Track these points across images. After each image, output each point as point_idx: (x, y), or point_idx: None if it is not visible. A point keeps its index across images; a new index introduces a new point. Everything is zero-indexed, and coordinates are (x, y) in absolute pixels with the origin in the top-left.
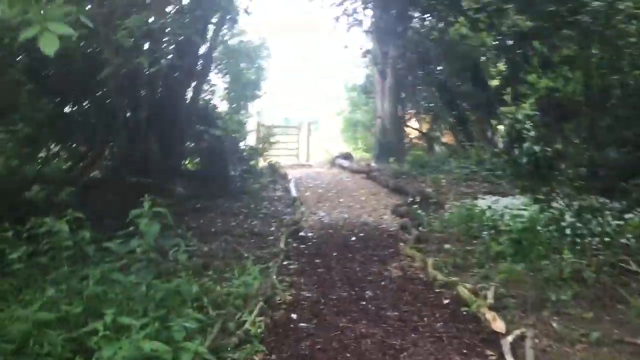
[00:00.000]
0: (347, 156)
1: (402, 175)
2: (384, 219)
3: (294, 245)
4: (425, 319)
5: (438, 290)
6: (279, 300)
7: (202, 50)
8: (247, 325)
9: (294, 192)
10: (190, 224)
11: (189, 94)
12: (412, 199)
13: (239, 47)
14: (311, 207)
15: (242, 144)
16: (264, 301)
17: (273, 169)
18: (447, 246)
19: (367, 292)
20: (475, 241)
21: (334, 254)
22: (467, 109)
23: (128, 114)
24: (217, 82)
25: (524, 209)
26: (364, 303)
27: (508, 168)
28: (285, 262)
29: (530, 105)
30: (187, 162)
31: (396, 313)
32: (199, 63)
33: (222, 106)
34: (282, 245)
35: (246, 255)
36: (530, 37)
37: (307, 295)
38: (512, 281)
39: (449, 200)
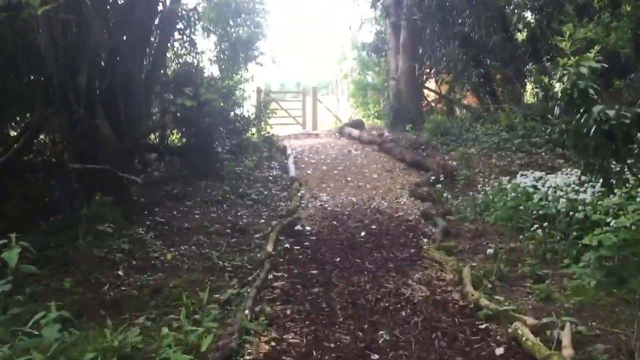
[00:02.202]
0: (357, 124)
1: (420, 146)
2: (400, 204)
3: (286, 246)
4: None
5: (483, 326)
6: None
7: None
8: None
9: (292, 171)
10: (157, 218)
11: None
12: (434, 177)
13: (226, 0)
14: (312, 189)
15: (233, 114)
16: None
17: (270, 141)
18: (486, 246)
19: (380, 332)
20: (521, 236)
21: (337, 260)
22: (493, 66)
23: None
24: (204, 43)
25: (575, 190)
26: (377, 358)
27: (569, 140)
28: (270, 276)
29: (595, 55)
30: (173, 136)
31: None
32: (156, 17)
33: (214, 71)
34: (269, 247)
35: (220, 264)
36: None
37: (293, 341)
38: (591, 307)
39: (480, 176)
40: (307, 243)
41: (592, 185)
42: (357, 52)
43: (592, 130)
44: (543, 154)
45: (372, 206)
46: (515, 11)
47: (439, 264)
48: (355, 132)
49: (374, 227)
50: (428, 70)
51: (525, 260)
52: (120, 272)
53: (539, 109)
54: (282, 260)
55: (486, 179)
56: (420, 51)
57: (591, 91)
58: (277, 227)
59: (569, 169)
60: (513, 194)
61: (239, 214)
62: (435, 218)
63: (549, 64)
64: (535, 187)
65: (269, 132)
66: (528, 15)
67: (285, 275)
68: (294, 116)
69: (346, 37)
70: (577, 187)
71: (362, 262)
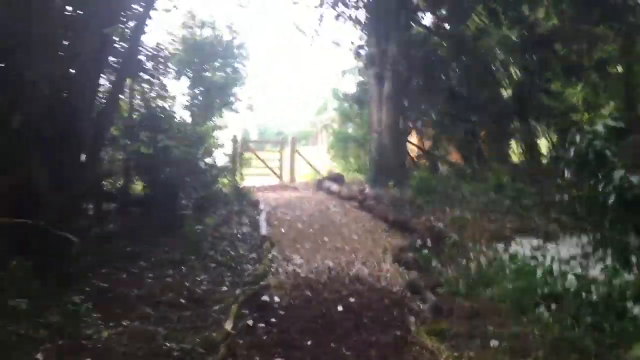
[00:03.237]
0: (336, 178)
1: (404, 205)
2: (383, 272)
3: (249, 322)
4: None
5: None
6: None
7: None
8: None
9: (264, 229)
10: (101, 282)
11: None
12: (420, 240)
13: (202, 43)
14: (285, 250)
15: (203, 163)
16: None
17: (242, 194)
18: (484, 329)
19: None
20: (524, 318)
21: (308, 344)
22: (479, 123)
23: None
24: (177, 87)
25: (582, 264)
26: None
27: (582, 209)
28: None
29: (612, 112)
30: (138, 185)
31: None
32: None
33: (187, 116)
34: (228, 325)
35: (166, 346)
36: (552, 37)
37: None
38: None
39: (470, 241)
40: (274, 319)
41: (600, 259)
42: (339, 102)
43: (612, 198)
44: (535, 218)
45: (352, 273)
46: (502, 68)
47: (430, 353)
48: (335, 187)
49: (353, 300)
50: (411, 124)
51: (531, 350)
52: (40, 357)
53: (527, 169)
54: (242, 342)
55: (477, 245)
56: (405, 104)
57: (608, 153)
58: (240, 297)
59: (567, 237)
60: (512, 266)
61: (198, 279)
62: (423, 291)
63: (534, 123)
64: (535, 257)
65: (241, 184)
66: (515, 72)
67: None
68: (271, 167)
69: (327, 87)
70: (582, 261)
71: (338, 348)
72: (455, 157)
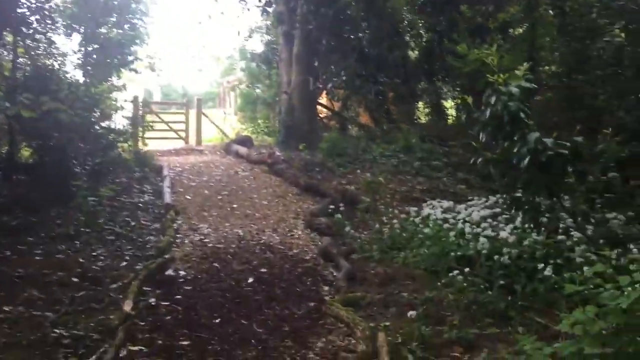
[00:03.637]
0: (245, 141)
1: (315, 168)
2: (295, 238)
3: (152, 301)
4: None
5: None
6: None
7: None
8: None
9: (168, 197)
10: None
11: None
12: (332, 204)
13: None
14: (191, 218)
15: (99, 127)
16: None
17: (143, 159)
18: (399, 295)
19: None
20: (438, 282)
21: (217, 322)
22: (388, 84)
23: None
24: (66, 43)
25: (493, 225)
26: None
27: (496, 171)
28: (124, 353)
29: (524, 74)
30: (27, 152)
31: None
32: None
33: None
34: (127, 305)
35: (55, 333)
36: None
37: None
38: None
39: (381, 204)
40: (179, 296)
41: (509, 220)
42: (246, 63)
43: (526, 161)
44: (444, 178)
45: (262, 241)
46: (410, 29)
47: (346, 325)
48: (243, 150)
49: (264, 270)
50: (322, 85)
51: (447, 316)
52: None
53: (434, 130)
54: (143, 324)
55: (390, 208)
56: (315, 64)
57: (522, 115)
58: (141, 273)
59: (475, 198)
60: (425, 230)
61: (94, 254)
62: (336, 258)
63: (440, 83)
64: (446, 220)
65: (143, 149)
66: (422, 33)
67: (145, 350)
68: (176, 130)
69: (235, 46)
70: (492, 222)
71: (249, 325)
72: (365, 118)
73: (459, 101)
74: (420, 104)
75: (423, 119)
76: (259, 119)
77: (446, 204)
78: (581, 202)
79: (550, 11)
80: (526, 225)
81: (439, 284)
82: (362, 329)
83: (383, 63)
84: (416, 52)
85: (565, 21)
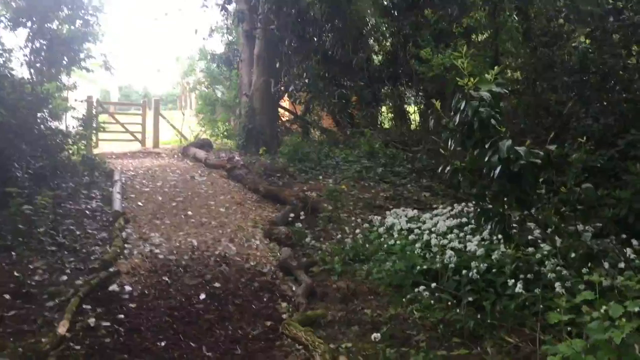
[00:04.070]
0: (203, 144)
1: (276, 174)
2: (253, 249)
3: (91, 322)
4: None
5: None
6: None
7: None
8: None
9: (117, 203)
10: None
11: None
12: (293, 213)
13: None
14: (142, 227)
15: (44, 127)
16: None
17: (93, 163)
18: (361, 313)
19: None
20: (403, 298)
21: (162, 345)
22: (353, 87)
23: None
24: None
25: (459, 237)
26: None
27: (465, 181)
28: None
29: (495, 77)
30: None
31: None
32: None
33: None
34: (62, 327)
35: None
36: (422, 2)
37: None
38: None
39: (344, 212)
40: (122, 315)
41: (476, 230)
42: (206, 63)
43: (497, 170)
44: (408, 185)
45: (218, 252)
46: (373, 32)
47: (305, 347)
48: (201, 154)
49: (217, 285)
50: (283, 88)
51: (413, 335)
52: None
53: (398, 135)
54: (79, 348)
55: (352, 217)
56: (277, 65)
57: (493, 121)
58: (82, 289)
59: (441, 206)
60: (389, 242)
61: (31, 267)
62: (296, 272)
63: (403, 88)
64: (411, 230)
65: (95, 151)
66: (386, 37)
67: None
68: (133, 132)
69: (194, 46)
70: (459, 232)
71: (198, 348)
72: (327, 122)
73: (422, 106)
74: (384, 109)
75: (386, 124)
76: (218, 121)
77: (410, 212)
78: (551, 214)
79: (515, 16)
80: (494, 237)
81: (403, 300)
82: (321, 352)
83: (347, 66)
84: (380, 56)
85: (530, 26)
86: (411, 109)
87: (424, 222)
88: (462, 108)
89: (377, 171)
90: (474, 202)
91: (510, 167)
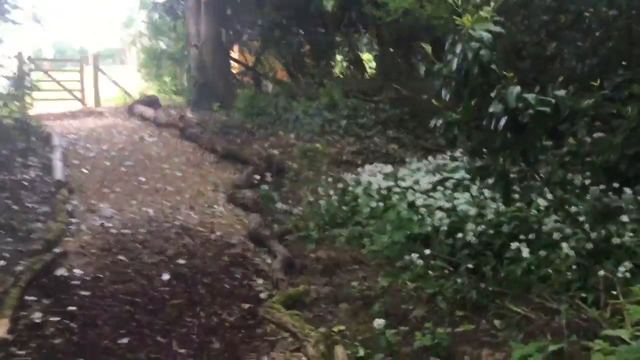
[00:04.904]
0: (151, 101)
1: (233, 131)
2: (217, 216)
3: (36, 317)
4: None
5: None
6: None
7: None
8: None
9: (59, 172)
10: None
11: None
12: (257, 174)
13: None
14: (90, 197)
15: None
16: None
17: (28, 127)
18: (348, 286)
19: None
20: (392, 265)
21: (124, 342)
22: (309, 35)
23: None
24: None
25: (447, 194)
26: None
27: (461, 134)
28: None
29: (492, 15)
30: None
31: None
32: None
33: None
34: (1, 327)
35: None
36: None
37: None
38: None
39: (313, 170)
40: (74, 307)
41: (458, 185)
42: (148, 13)
43: (503, 121)
44: (375, 138)
45: (178, 223)
46: None
47: (292, 335)
48: (150, 112)
49: (182, 262)
50: (235, 37)
51: (410, 310)
52: None
53: (356, 84)
54: (23, 353)
55: (322, 176)
56: (228, 12)
57: (494, 67)
58: (24, 276)
59: (414, 160)
60: (373, 204)
61: None
62: (269, 242)
63: (357, 34)
64: (390, 189)
65: (29, 114)
66: None
67: None
68: (71, 89)
69: None
70: (443, 190)
71: (167, 343)
72: (281, 74)
73: (377, 53)
74: (338, 57)
75: (341, 74)
76: (165, 76)
77: (385, 168)
78: (556, 169)
79: None
80: (481, 194)
81: (392, 268)
82: (314, 341)
83: (301, 12)
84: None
85: None
86: (365, 56)
87: (404, 180)
88: (458, 51)
89: (341, 124)
90: (467, 157)
91: (519, 117)
